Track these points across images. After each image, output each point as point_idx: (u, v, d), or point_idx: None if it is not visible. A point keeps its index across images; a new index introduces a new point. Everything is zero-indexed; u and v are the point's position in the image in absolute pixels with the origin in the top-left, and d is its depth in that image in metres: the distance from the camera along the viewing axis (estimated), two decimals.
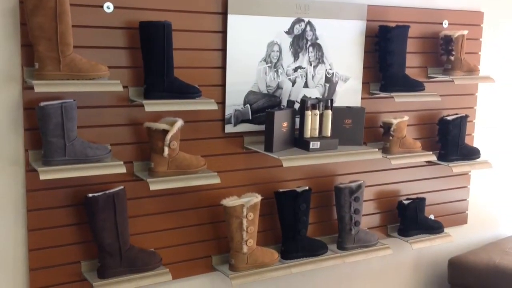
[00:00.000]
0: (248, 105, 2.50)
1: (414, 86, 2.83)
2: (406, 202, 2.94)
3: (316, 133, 2.53)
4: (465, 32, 2.95)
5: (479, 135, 3.25)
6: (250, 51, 2.47)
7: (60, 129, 1.99)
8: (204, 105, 2.25)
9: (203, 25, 2.34)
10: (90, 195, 2.12)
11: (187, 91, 2.23)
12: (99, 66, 2.03)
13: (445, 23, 3.02)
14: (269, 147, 2.43)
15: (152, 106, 2.14)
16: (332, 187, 2.74)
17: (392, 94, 2.75)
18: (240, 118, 2.48)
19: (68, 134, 2.01)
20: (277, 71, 2.56)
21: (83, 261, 2.24)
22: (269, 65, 2.53)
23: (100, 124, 2.19)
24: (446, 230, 3.05)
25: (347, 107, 2.69)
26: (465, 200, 3.28)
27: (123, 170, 2.10)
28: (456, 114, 3.04)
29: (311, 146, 2.47)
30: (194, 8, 2.31)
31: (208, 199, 2.44)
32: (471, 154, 3.07)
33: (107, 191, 2.14)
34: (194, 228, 2.45)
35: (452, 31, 2.94)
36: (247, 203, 2.37)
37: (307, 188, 2.61)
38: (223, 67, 2.41)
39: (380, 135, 2.84)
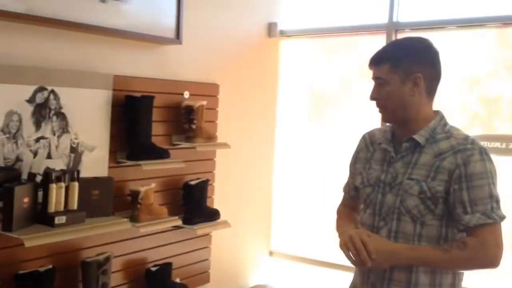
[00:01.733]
0: None
1: (160, 154, 2.93)
2: (154, 269, 2.97)
3: (62, 207, 2.41)
4: (204, 102, 3.19)
5: (218, 197, 3.50)
6: None
7: None
8: None
9: None
10: None
11: None
12: None
13: (186, 94, 3.22)
14: (8, 226, 2.22)
15: None
16: (78, 262, 2.62)
17: (140, 162, 2.80)
18: None
19: None
20: (16, 142, 2.38)
21: None
22: (7, 136, 2.34)
23: None
24: None
25: (94, 177, 2.63)
26: (207, 260, 3.46)
27: None
28: (198, 178, 3.22)
29: (56, 222, 2.35)
30: None
31: None
32: (213, 215, 3.27)
33: None
34: None
35: (193, 102, 3.15)
36: None
37: (50, 266, 2.44)
38: None
39: (128, 204, 2.84)
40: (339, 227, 1.97)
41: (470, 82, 3.34)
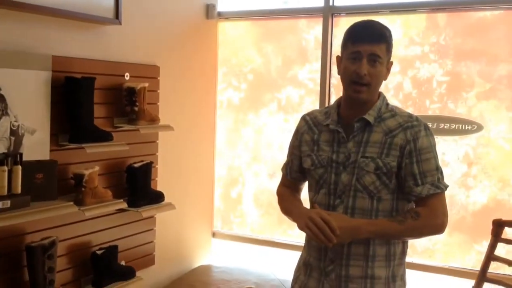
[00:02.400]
0: None
1: (103, 137, 2.89)
2: (99, 252, 2.94)
3: (5, 191, 2.34)
4: (146, 84, 3.16)
5: (161, 179, 3.49)
6: None
7: None
8: None
9: None
10: None
11: None
12: None
13: (127, 76, 3.18)
14: None
15: None
16: (23, 247, 2.55)
17: (83, 145, 2.75)
18: None
19: None
20: None
21: None
22: None
23: None
24: (137, 273, 3.15)
25: (37, 161, 2.56)
26: (152, 242, 3.45)
27: None
28: (142, 161, 3.20)
29: (0, 206, 2.27)
30: None
31: None
32: (157, 197, 3.26)
33: None
34: None
35: (134, 83, 3.11)
36: None
37: None
38: None
39: (71, 187, 2.78)
40: (290, 211, 1.98)
41: (404, 65, 3.50)
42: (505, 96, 3.28)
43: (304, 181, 2.05)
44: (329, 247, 1.83)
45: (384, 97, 1.92)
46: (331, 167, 1.89)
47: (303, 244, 2.04)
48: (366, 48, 1.79)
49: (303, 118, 2.04)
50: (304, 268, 1.98)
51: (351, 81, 1.83)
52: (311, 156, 1.94)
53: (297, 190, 2.10)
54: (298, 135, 2.03)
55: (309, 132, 1.98)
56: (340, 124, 1.90)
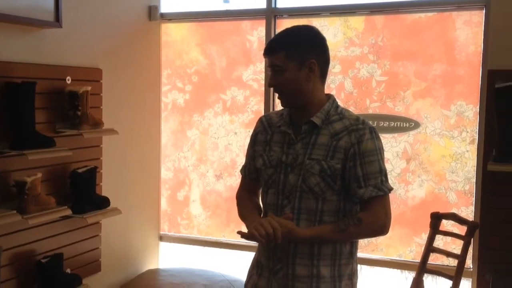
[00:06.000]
0: None
1: (45, 142, 2.83)
2: (44, 260, 2.88)
3: None
4: (89, 88, 3.11)
5: (106, 184, 3.44)
6: None
7: None
8: None
9: None
10: None
11: None
12: None
13: (68, 79, 3.12)
14: None
15: None
16: None
17: (24, 151, 2.68)
18: None
19: None
20: None
21: None
22: None
23: None
24: (83, 281, 3.10)
25: None
26: (97, 248, 3.40)
27: None
28: (86, 166, 3.15)
29: None
30: None
31: None
32: (102, 203, 3.22)
33: None
34: None
35: (77, 87, 3.06)
36: None
37: None
38: None
39: (13, 195, 2.71)
40: (245, 217, 2.00)
41: (344, 65, 3.60)
42: (440, 94, 3.44)
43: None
44: (265, 245, 1.88)
45: (334, 100, 1.98)
46: (280, 168, 1.94)
47: (251, 244, 2.08)
48: (268, 60, 1.93)
49: (260, 119, 2.11)
50: (256, 268, 2.03)
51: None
52: (263, 156, 2.00)
53: (256, 193, 2.11)
54: (253, 135, 2.09)
55: (263, 132, 2.04)
56: (291, 126, 1.96)
